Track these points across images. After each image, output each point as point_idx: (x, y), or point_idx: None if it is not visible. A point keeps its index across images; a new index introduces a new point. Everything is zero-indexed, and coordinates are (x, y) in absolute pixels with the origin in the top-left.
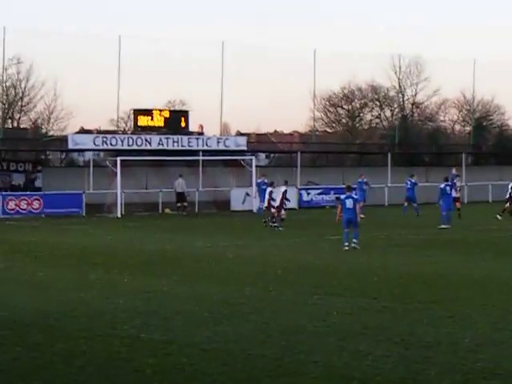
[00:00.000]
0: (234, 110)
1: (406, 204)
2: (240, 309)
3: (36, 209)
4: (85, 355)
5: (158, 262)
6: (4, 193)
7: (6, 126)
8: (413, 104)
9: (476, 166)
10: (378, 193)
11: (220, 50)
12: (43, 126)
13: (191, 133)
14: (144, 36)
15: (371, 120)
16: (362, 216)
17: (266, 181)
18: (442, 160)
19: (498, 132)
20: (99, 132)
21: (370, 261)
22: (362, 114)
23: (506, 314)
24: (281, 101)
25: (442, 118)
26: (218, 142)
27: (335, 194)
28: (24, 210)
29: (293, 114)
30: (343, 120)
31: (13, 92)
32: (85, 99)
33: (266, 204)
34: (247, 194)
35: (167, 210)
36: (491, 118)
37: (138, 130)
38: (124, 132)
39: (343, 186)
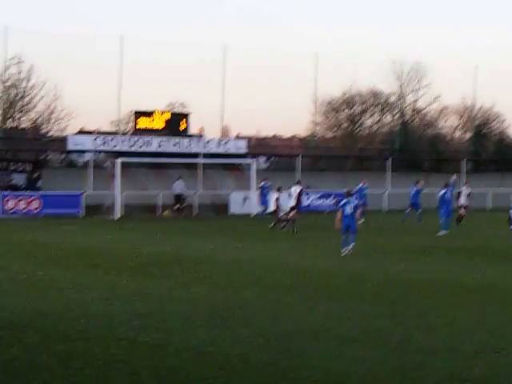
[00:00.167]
0: (235, 113)
1: (408, 210)
2: (238, 312)
3: (35, 209)
4: (82, 357)
5: (156, 264)
6: (4, 192)
7: (6, 125)
8: (413, 110)
9: (476, 172)
10: (378, 198)
11: (222, 52)
12: (43, 126)
13: (191, 135)
14: (146, 37)
15: (371, 125)
16: (362, 220)
17: (268, 184)
18: (441, 166)
19: (498, 139)
20: (99, 133)
21: (369, 266)
22: (362, 119)
23: (505, 322)
24: (281, 104)
25: (442, 125)
26: (219, 146)
27: (335, 197)
28: (23, 209)
29: (293, 117)
30: (344, 125)
31: (13, 92)
32: (85, 100)
33: (273, 208)
34: (245, 198)
35: (166, 212)
36: (491, 125)
37: (139, 131)
38: (124, 133)
39: (343, 191)
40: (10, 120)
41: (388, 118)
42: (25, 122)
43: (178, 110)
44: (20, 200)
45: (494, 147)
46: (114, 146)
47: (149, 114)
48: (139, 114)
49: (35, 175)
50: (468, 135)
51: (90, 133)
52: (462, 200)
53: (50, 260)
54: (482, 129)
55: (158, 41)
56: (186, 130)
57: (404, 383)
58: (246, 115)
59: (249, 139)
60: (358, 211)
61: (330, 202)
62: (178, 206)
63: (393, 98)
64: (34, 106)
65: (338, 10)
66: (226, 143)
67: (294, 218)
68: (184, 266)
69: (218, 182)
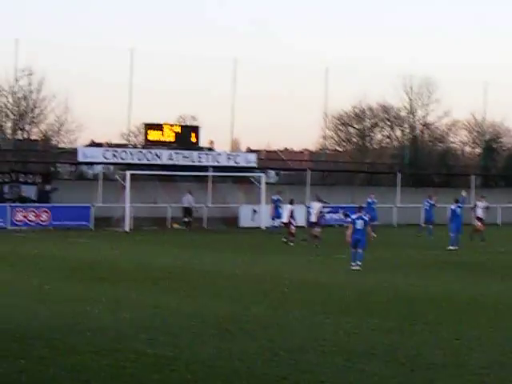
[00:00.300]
0: (245, 126)
1: (423, 225)
2: (246, 326)
3: (44, 221)
4: (90, 370)
5: (165, 277)
6: (12, 204)
7: (16, 137)
8: (423, 125)
9: (485, 188)
10: (387, 213)
11: (232, 66)
12: (53, 138)
13: (201, 148)
14: (157, 50)
15: (381, 140)
16: (374, 235)
17: (280, 198)
18: (451, 181)
19: (508, 155)
20: (109, 145)
21: (378, 281)
22: (372, 134)
23: None
24: (292, 118)
25: (452, 140)
26: (229, 159)
27: (343, 211)
28: (32, 221)
29: (303, 131)
30: (353, 139)
31: (24, 103)
32: (96, 112)
33: (285, 220)
34: (254, 211)
35: (176, 225)
36: (501, 140)
37: (149, 144)
38: (134, 146)
39: (352, 205)
40: (21, 132)
41: (398, 132)
42: (35, 134)
43: (188, 122)
44: (29, 212)
45: (503, 162)
46: (124, 159)
47: (159, 127)
48: (149, 127)
49: (48, 188)
50: (478, 150)
51: (100, 145)
52: (479, 212)
53: (57, 272)
54: (491, 144)
55: (168, 53)
56: (196, 142)
57: None
58: (256, 128)
59: (259, 152)
60: (369, 226)
61: (339, 216)
62: (186, 219)
63: (403, 113)
64: (45, 118)
65: (348, 24)
66: (235, 156)
67: (316, 234)
68: (192, 279)
69: (227, 195)
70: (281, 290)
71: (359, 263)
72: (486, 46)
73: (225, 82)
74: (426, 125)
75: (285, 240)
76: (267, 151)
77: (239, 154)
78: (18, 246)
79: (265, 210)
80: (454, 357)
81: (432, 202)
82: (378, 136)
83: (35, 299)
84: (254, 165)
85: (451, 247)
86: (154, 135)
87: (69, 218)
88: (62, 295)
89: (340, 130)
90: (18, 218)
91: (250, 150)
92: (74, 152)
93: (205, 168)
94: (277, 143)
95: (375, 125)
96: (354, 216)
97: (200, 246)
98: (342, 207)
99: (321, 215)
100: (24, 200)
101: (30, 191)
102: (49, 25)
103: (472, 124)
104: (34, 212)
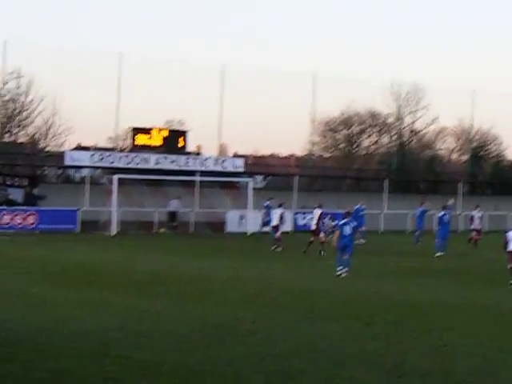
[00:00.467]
0: (233, 131)
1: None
2: (233, 331)
3: (31, 224)
4: (76, 373)
5: (152, 281)
6: (0, 207)
7: (3, 140)
8: (411, 131)
9: (472, 195)
10: (374, 219)
11: (220, 71)
12: (41, 142)
13: (189, 153)
14: (145, 54)
15: (369, 146)
16: (363, 241)
17: (272, 203)
18: (438, 188)
19: (495, 162)
20: (97, 149)
21: (365, 287)
22: (359, 140)
23: (500, 345)
24: (279, 123)
25: (439, 147)
26: (216, 163)
27: (330, 218)
28: (19, 225)
29: (291, 137)
30: (341, 145)
31: (12, 106)
32: (83, 116)
33: (275, 223)
34: (242, 217)
35: (162, 230)
36: (488, 147)
37: (136, 148)
38: (121, 150)
39: (340, 212)
40: (8, 134)
41: (386, 139)
42: (22, 137)
43: (175, 127)
44: (16, 215)
45: (490, 170)
46: (112, 163)
47: (146, 131)
48: (137, 131)
49: (35, 192)
50: (465, 157)
51: (87, 149)
52: (477, 223)
53: (44, 276)
54: (479, 151)
55: (157, 58)
56: (183, 147)
57: None
58: (244, 134)
59: (246, 158)
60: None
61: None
62: (173, 223)
63: (391, 119)
64: (32, 121)
65: (337, 30)
66: (223, 161)
67: (317, 240)
68: (180, 283)
69: (214, 200)
70: (268, 296)
71: (346, 269)
72: (474, 53)
73: (213, 87)
74: (413, 131)
75: (274, 248)
76: (255, 156)
77: (226, 158)
78: (4, 250)
79: (252, 215)
80: (440, 364)
81: (424, 208)
82: (366, 142)
83: (22, 303)
84: (242, 170)
85: (439, 253)
86: (141, 139)
87: (55, 222)
88: (48, 299)
89: (328, 135)
90: (4, 221)
91: (237, 155)
92: (61, 155)
93: (192, 173)
94: (264, 148)
95: (363, 131)
96: (341, 222)
97: (187, 251)
98: (329, 213)
99: (322, 222)
100: (11, 203)
101: (16, 194)
102: (37, 28)
103: (460, 131)
104: (20, 215)
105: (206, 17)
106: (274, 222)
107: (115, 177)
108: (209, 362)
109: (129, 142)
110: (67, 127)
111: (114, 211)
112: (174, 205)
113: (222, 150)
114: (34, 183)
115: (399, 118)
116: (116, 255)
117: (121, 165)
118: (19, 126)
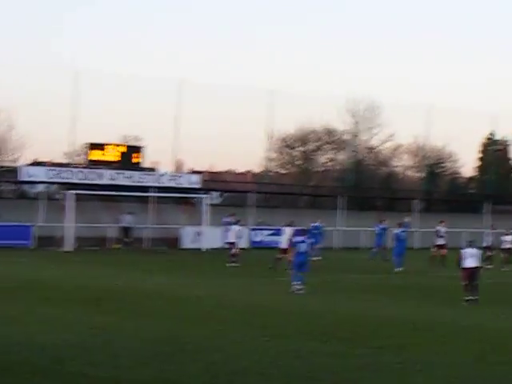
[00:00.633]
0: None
1: (375, 250)
2: (187, 347)
3: None
4: None
5: (105, 297)
6: None
7: None
8: (367, 148)
9: (428, 212)
10: (329, 236)
11: (176, 87)
12: None
13: (144, 169)
14: (102, 70)
15: (325, 162)
16: (319, 258)
17: (232, 219)
18: (394, 205)
19: (451, 179)
20: (53, 164)
21: (320, 304)
22: (316, 157)
23: (456, 362)
24: (236, 139)
25: (395, 164)
26: (171, 179)
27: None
28: None
29: (247, 153)
30: (297, 162)
31: None
32: (39, 131)
33: (231, 240)
34: (197, 233)
35: (115, 246)
36: (444, 164)
37: (91, 164)
38: (76, 166)
39: (299, 228)
40: None
41: (342, 155)
42: None
43: (131, 143)
44: None
45: (446, 187)
46: (67, 178)
47: (102, 147)
48: (92, 146)
49: None
50: (421, 174)
51: (43, 164)
52: (442, 240)
53: None
54: (434, 168)
55: (113, 73)
56: (139, 163)
57: None
58: (200, 150)
59: (202, 174)
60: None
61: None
62: (126, 239)
63: (347, 136)
64: None
65: (293, 47)
66: (179, 177)
67: (286, 258)
68: (133, 300)
69: (170, 216)
70: (221, 313)
71: (302, 286)
72: (430, 70)
73: (169, 103)
74: (369, 148)
75: (230, 264)
76: (210, 172)
77: (182, 175)
78: None
79: (207, 231)
80: (395, 381)
81: (383, 226)
82: (322, 159)
83: None
84: (198, 186)
85: (396, 269)
86: (96, 155)
87: (9, 237)
88: (0, 315)
89: (284, 152)
90: None
91: (193, 171)
92: (16, 170)
93: (147, 188)
94: (221, 164)
95: (319, 148)
96: (297, 239)
97: (141, 267)
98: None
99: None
100: None
101: None
102: None
103: (415, 148)
104: None
105: (163, 30)
106: (231, 238)
107: (69, 192)
108: (162, 379)
109: (84, 157)
110: (23, 142)
111: (68, 227)
112: (126, 220)
113: (179, 166)
114: None
115: (355, 135)
116: (70, 271)
117: (75, 180)
118: None
